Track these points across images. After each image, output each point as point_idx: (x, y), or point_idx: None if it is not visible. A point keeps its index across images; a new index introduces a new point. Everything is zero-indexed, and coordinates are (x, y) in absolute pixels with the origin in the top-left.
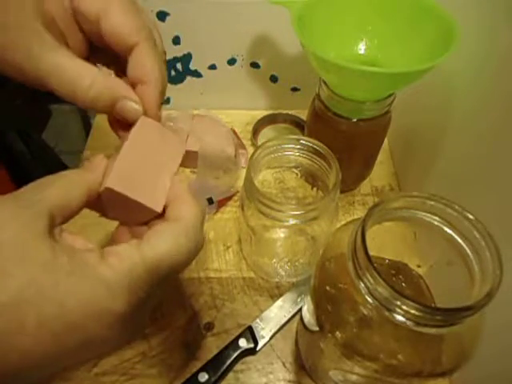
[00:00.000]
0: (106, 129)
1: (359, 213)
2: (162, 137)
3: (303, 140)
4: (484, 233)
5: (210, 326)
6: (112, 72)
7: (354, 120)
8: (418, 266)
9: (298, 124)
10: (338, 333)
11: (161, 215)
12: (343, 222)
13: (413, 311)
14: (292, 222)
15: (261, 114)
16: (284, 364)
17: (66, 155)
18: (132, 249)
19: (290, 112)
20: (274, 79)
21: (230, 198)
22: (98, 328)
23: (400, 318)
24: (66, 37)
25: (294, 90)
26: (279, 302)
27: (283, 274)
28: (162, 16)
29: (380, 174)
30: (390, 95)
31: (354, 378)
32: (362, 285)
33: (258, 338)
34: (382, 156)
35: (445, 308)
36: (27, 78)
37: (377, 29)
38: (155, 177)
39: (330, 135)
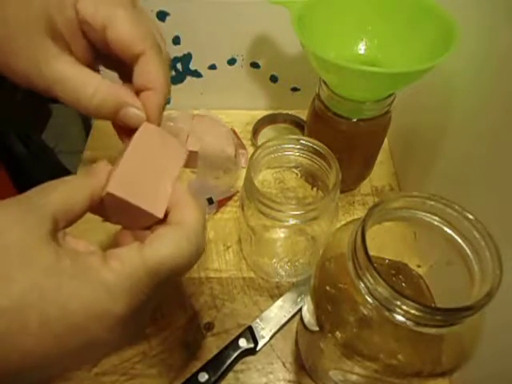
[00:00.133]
0: (106, 129)
1: (359, 213)
2: (163, 142)
3: (303, 140)
4: (484, 233)
5: (209, 326)
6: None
7: (354, 120)
8: (418, 266)
9: (298, 124)
10: (338, 333)
11: (163, 220)
12: (343, 222)
13: (413, 311)
14: (292, 221)
15: (261, 113)
16: (284, 364)
17: (66, 155)
18: (134, 252)
19: (290, 112)
20: (274, 79)
21: (230, 198)
22: (99, 330)
23: (400, 317)
24: (69, 44)
25: (294, 89)
26: (279, 302)
27: (283, 274)
28: (161, 16)
29: (380, 174)
30: (390, 95)
31: (354, 378)
32: (362, 285)
33: (258, 338)
34: (382, 156)
35: (445, 308)
36: (31, 85)
37: (377, 29)
38: (157, 182)
39: (330, 135)
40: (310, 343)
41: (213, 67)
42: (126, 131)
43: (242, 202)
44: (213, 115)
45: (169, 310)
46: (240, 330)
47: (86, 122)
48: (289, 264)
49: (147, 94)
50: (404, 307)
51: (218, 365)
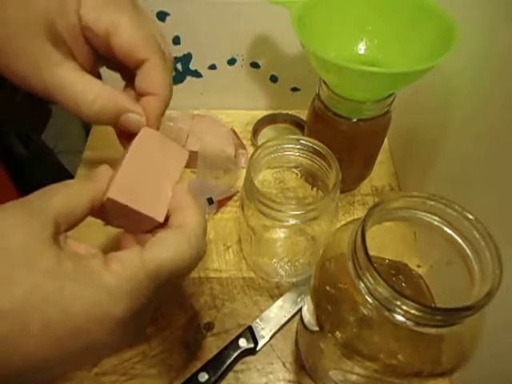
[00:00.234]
0: (106, 129)
1: (359, 213)
2: (163, 146)
3: (303, 140)
4: (484, 233)
5: (209, 326)
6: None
7: (354, 120)
8: (418, 266)
9: (298, 124)
10: (338, 333)
11: (164, 223)
12: (343, 222)
13: (413, 311)
14: (292, 221)
15: (261, 113)
16: (284, 364)
17: (66, 155)
18: (134, 255)
19: (290, 112)
20: (274, 79)
21: (230, 198)
22: (100, 332)
23: (400, 317)
24: (71, 49)
25: (294, 89)
26: (279, 302)
27: (283, 274)
28: (162, 16)
29: (380, 174)
30: (390, 95)
31: (354, 378)
32: (362, 285)
33: (258, 338)
34: (382, 156)
35: (445, 308)
36: (30, 88)
37: (377, 29)
38: (157, 186)
39: (330, 135)
40: (310, 343)
41: (213, 67)
42: (127, 136)
43: (242, 202)
44: (213, 115)
45: (169, 310)
46: (240, 330)
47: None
48: (289, 264)
49: (149, 99)
50: (404, 307)
51: (217, 365)
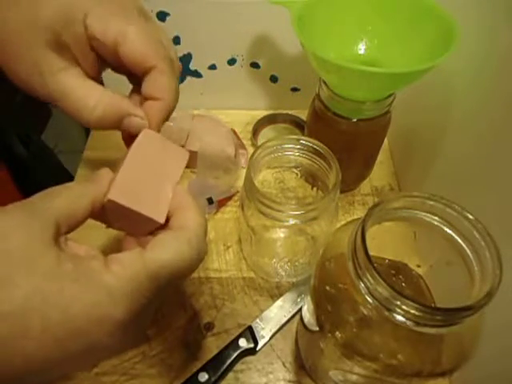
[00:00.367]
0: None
1: (359, 213)
2: (163, 147)
3: (303, 140)
4: (484, 233)
5: (209, 326)
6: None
7: (354, 120)
8: (418, 266)
9: (297, 124)
10: (337, 333)
11: (165, 225)
12: (343, 222)
13: (413, 311)
14: (292, 222)
15: (261, 114)
16: (284, 364)
17: (66, 155)
18: (135, 256)
19: (289, 112)
20: (274, 79)
21: (230, 198)
22: (100, 334)
23: (400, 318)
24: (76, 57)
25: (294, 90)
26: (279, 302)
27: (283, 274)
28: (162, 16)
29: (380, 174)
30: (390, 95)
31: (354, 378)
32: (362, 285)
33: (258, 338)
34: (382, 156)
35: (445, 308)
36: (35, 94)
37: (377, 29)
38: (158, 187)
39: (330, 135)
40: (310, 343)
41: (213, 67)
42: (132, 140)
43: (242, 202)
44: (213, 115)
45: (169, 310)
46: (240, 330)
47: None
48: (289, 264)
49: (152, 103)
50: (404, 307)
51: (217, 365)
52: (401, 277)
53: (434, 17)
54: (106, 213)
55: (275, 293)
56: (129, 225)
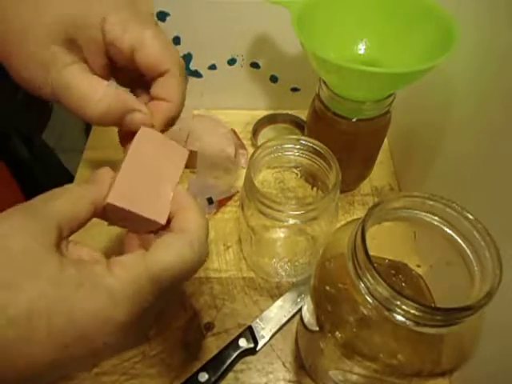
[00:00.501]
0: (107, 128)
1: (359, 213)
2: (162, 145)
3: (303, 140)
4: (484, 233)
5: (209, 326)
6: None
7: (354, 120)
8: (418, 266)
9: (297, 124)
10: (337, 333)
11: (167, 225)
12: (343, 222)
13: (413, 311)
14: (292, 221)
15: (261, 113)
16: (284, 364)
17: (67, 153)
18: (137, 259)
19: (289, 112)
20: (274, 79)
21: (230, 198)
22: (103, 336)
23: (400, 318)
24: (87, 59)
25: (294, 90)
26: (279, 302)
27: (283, 274)
28: (161, 16)
29: (380, 174)
30: (390, 95)
31: (354, 378)
32: (362, 285)
33: (258, 338)
34: (382, 156)
35: (445, 308)
36: (38, 91)
37: (377, 29)
38: (158, 188)
39: (330, 135)
40: (309, 343)
41: (213, 67)
42: (130, 137)
43: (242, 202)
44: (213, 115)
45: (169, 310)
46: (240, 330)
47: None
48: (289, 264)
49: (160, 103)
50: (404, 307)
51: (217, 365)
52: (401, 277)
53: (433, 17)
54: (107, 213)
55: (275, 293)
56: (130, 224)
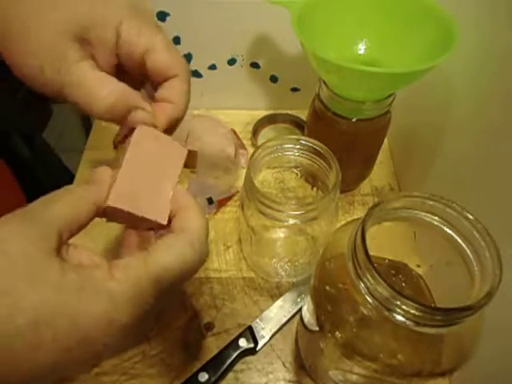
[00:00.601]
0: (106, 128)
1: (359, 213)
2: (161, 144)
3: (303, 140)
4: (484, 233)
5: (209, 326)
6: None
7: (354, 120)
8: (418, 266)
9: (297, 124)
10: (337, 333)
11: (167, 224)
12: (343, 222)
13: (413, 311)
14: (292, 221)
15: (261, 114)
16: (284, 364)
17: (67, 153)
18: (138, 262)
19: (289, 112)
20: (274, 79)
21: (230, 198)
22: (106, 339)
23: (400, 318)
24: (96, 59)
25: (294, 90)
26: (279, 302)
27: (283, 274)
28: (162, 16)
29: (380, 174)
30: (390, 95)
31: (354, 378)
32: (362, 285)
33: (258, 338)
34: (382, 156)
35: (445, 308)
36: (45, 87)
37: (377, 29)
38: (158, 187)
39: (330, 135)
40: (309, 343)
41: (213, 67)
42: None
43: (242, 202)
44: (213, 115)
45: (169, 310)
46: (240, 330)
47: (86, 121)
48: (289, 264)
49: (165, 105)
50: (404, 307)
51: (217, 365)
52: (401, 277)
53: (433, 17)
54: (107, 214)
55: (275, 293)
56: (131, 223)
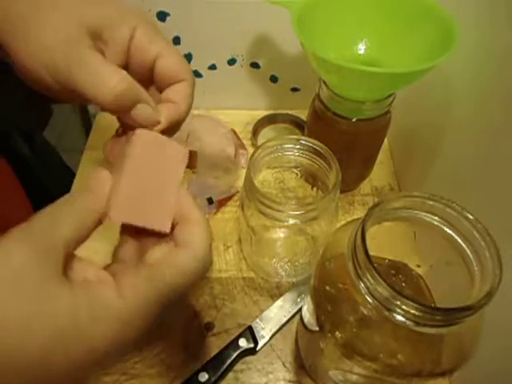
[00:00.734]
0: (106, 129)
1: (359, 213)
2: (161, 147)
3: (303, 140)
4: (484, 233)
5: (210, 326)
6: None
7: (354, 120)
8: (418, 266)
9: (297, 124)
10: (337, 333)
11: (170, 232)
12: (343, 222)
13: (413, 311)
14: (292, 221)
15: (261, 114)
16: (284, 364)
17: (67, 153)
18: (146, 283)
19: (289, 112)
20: (274, 79)
21: (230, 198)
22: (115, 354)
23: (400, 318)
24: (106, 56)
25: (294, 90)
26: (279, 302)
27: (283, 274)
28: (162, 16)
29: (380, 174)
30: (390, 95)
31: (354, 378)
32: (362, 285)
33: (258, 338)
34: (382, 156)
35: (445, 308)
36: (50, 81)
37: (377, 29)
38: (159, 194)
39: (330, 135)
40: (309, 343)
41: (213, 67)
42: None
43: (242, 202)
44: (213, 115)
45: (170, 316)
46: (240, 330)
47: (86, 121)
48: (289, 264)
49: (169, 104)
50: (404, 307)
51: (217, 365)
52: (401, 277)
53: (433, 17)
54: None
55: (275, 293)
56: (132, 228)
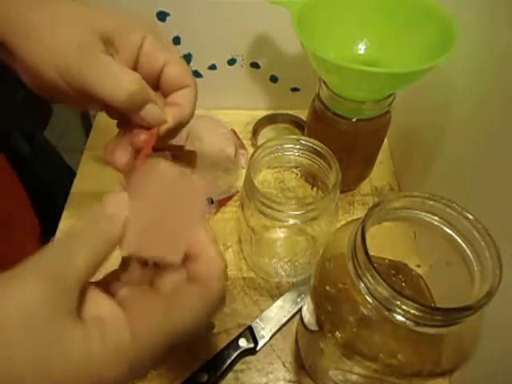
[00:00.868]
0: (106, 129)
1: (359, 213)
2: (179, 180)
3: (303, 140)
4: (484, 233)
5: (210, 326)
6: None
7: (354, 120)
8: (418, 266)
9: (297, 124)
10: (337, 333)
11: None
12: (343, 222)
13: (413, 311)
14: (292, 221)
15: (261, 113)
16: (284, 364)
17: (67, 153)
18: (158, 325)
19: (289, 112)
20: (274, 79)
21: (230, 198)
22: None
23: (400, 318)
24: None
25: (294, 90)
26: (279, 302)
27: (283, 274)
28: (162, 16)
29: (380, 174)
30: (390, 95)
31: (354, 378)
32: (362, 285)
33: (258, 338)
34: (382, 156)
35: (445, 308)
36: (61, 82)
37: (377, 29)
38: (173, 226)
39: (330, 135)
40: (309, 343)
41: (213, 67)
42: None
43: (242, 202)
44: (213, 115)
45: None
46: (240, 330)
47: (86, 121)
48: (289, 264)
49: (174, 108)
50: (404, 307)
51: (217, 365)
52: (401, 277)
53: (433, 17)
54: None
55: (275, 293)
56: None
